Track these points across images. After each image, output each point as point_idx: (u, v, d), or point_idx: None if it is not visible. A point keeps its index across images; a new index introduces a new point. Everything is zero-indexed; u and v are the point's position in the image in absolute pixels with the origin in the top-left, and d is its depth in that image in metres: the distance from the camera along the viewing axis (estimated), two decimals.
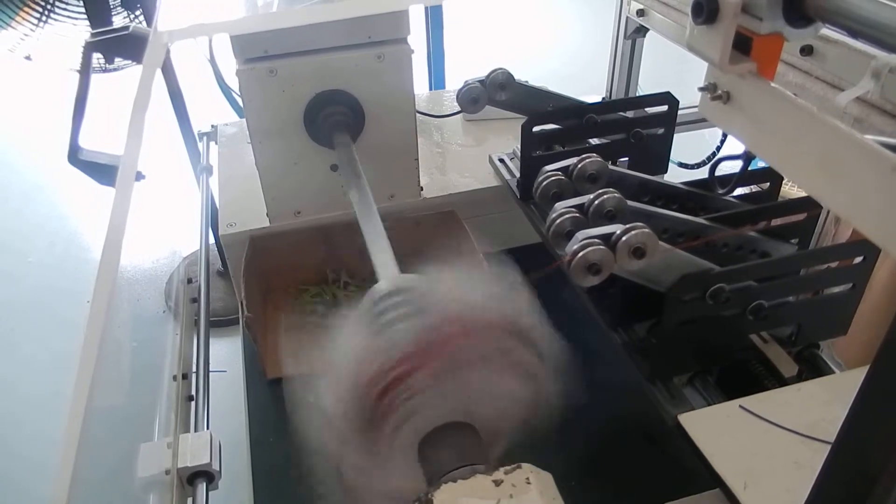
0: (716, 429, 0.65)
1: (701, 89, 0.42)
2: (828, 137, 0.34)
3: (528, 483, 0.49)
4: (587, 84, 2.06)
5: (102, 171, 0.77)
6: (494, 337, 0.56)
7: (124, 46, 0.68)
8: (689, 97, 1.23)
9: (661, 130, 1.04)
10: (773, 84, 0.38)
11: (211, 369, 1.00)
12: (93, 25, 1.58)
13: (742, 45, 0.39)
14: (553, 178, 0.81)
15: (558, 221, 0.71)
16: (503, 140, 1.37)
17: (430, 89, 1.97)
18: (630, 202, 0.74)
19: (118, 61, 1.47)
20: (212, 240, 1.30)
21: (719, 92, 0.41)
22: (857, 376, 0.71)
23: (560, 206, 0.72)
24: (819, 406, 0.65)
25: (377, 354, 0.55)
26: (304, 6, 0.51)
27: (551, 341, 0.58)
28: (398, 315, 0.60)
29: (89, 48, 0.67)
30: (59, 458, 0.48)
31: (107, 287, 0.40)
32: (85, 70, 0.70)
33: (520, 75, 1.12)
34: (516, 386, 0.58)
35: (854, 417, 0.37)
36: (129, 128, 0.29)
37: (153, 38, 0.29)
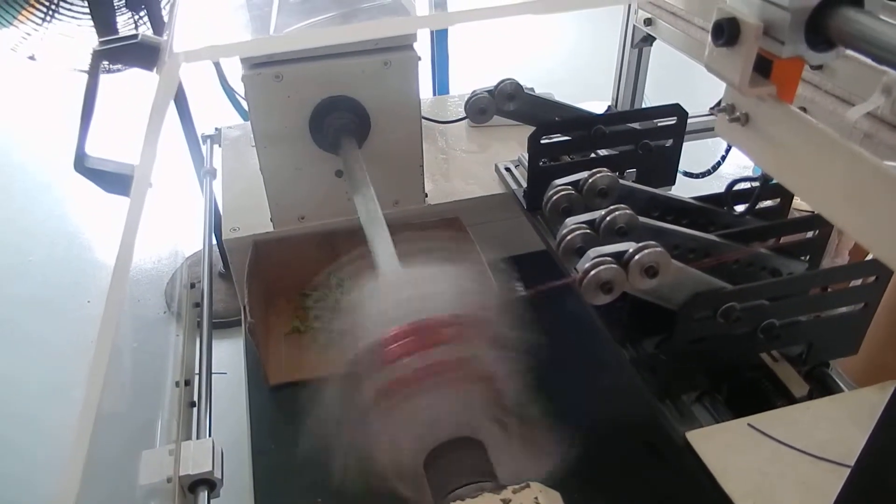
0: (724, 447, 0.64)
1: (719, 110, 0.42)
2: (850, 164, 0.34)
3: (537, 502, 0.49)
4: (583, 88, 2.06)
5: (108, 179, 0.77)
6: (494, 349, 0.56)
7: (133, 54, 0.67)
8: (694, 104, 1.23)
9: (669, 142, 1.03)
10: (793, 108, 0.37)
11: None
12: (97, 26, 1.58)
13: (762, 67, 0.38)
14: (563, 192, 0.80)
15: (569, 237, 0.70)
16: (508, 147, 1.37)
17: (434, 94, 1.96)
18: (641, 218, 0.73)
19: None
20: (213, 241, 1.30)
21: (738, 114, 0.40)
22: (868, 396, 0.71)
23: (571, 221, 0.71)
24: (829, 425, 0.65)
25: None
26: (313, 26, 0.51)
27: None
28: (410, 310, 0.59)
29: (97, 56, 0.67)
30: (64, 463, 0.47)
31: (119, 294, 0.39)
32: (93, 78, 0.69)
33: (519, 79, 1.11)
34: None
35: (876, 438, 0.37)
36: (142, 151, 0.29)
37: (169, 61, 0.28)
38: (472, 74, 2.81)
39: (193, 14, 0.44)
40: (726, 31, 0.37)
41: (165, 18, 1.64)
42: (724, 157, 1.39)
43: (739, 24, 0.36)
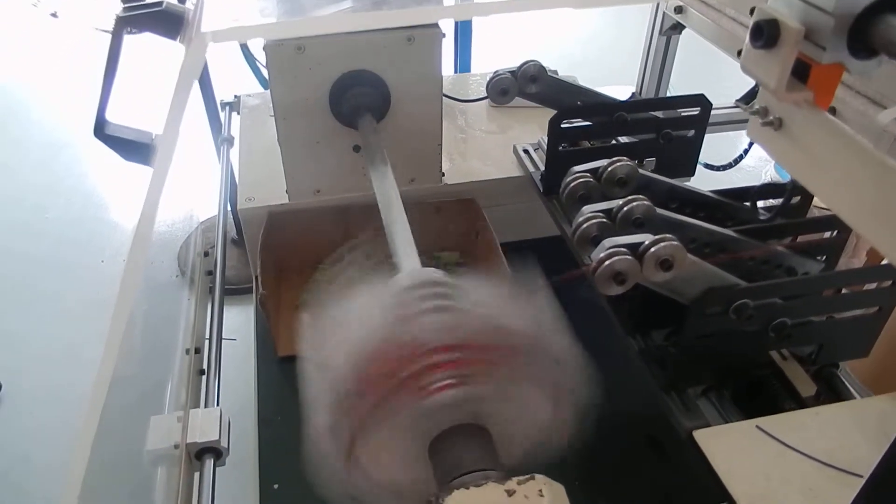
0: (731, 448, 0.64)
1: (752, 112, 0.41)
2: (887, 178, 0.33)
3: (541, 495, 0.49)
4: (606, 70, 2.01)
5: (128, 147, 0.77)
6: (525, 349, 0.55)
7: (156, 22, 0.66)
8: (718, 93, 1.21)
9: (691, 133, 1.02)
10: (829, 116, 0.36)
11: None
12: None
13: (799, 71, 0.37)
14: (581, 179, 0.79)
15: (585, 226, 0.70)
16: (528, 128, 1.35)
17: (456, 72, 1.94)
18: (659, 210, 0.72)
19: None
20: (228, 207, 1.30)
21: (771, 117, 0.39)
22: (878, 404, 0.70)
23: (587, 209, 0.71)
24: (837, 432, 0.65)
25: (407, 341, 0.54)
26: (340, 9, 0.50)
27: (575, 356, 0.57)
28: (430, 306, 0.58)
29: (121, 23, 0.66)
30: (78, 424, 0.48)
31: (139, 260, 0.39)
32: (115, 44, 0.68)
33: (542, 59, 1.09)
34: (538, 400, 0.57)
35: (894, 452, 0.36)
36: (165, 127, 0.28)
37: (195, 39, 0.28)
38: (494, 53, 2.78)
39: None
40: (766, 33, 0.35)
41: None
42: (746, 151, 1.37)
43: (780, 27, 0.35)
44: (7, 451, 1.53)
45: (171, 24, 0.66)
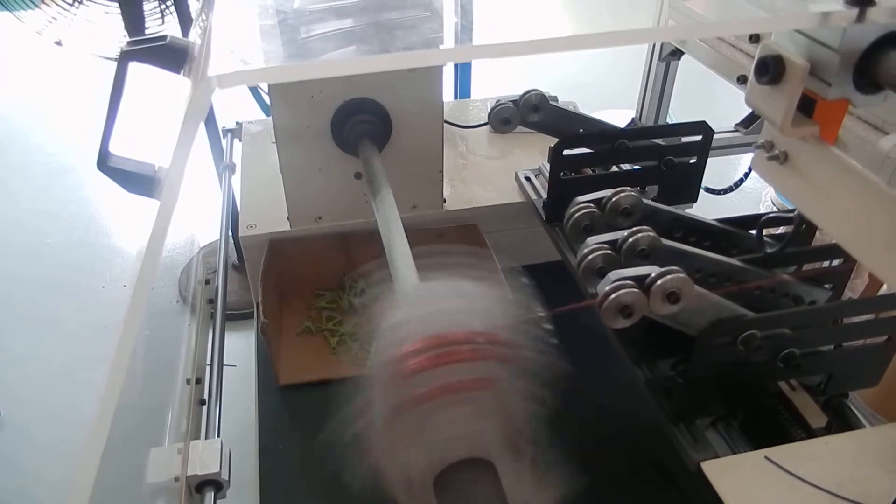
0: (740, 479, 0.63)
1: (757, 146, 0.40)
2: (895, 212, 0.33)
3: None
4: (606, 92, 2.02)
5: (131, 179, 0.77)
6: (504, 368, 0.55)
7: (160, 56, 0.67)
8: (716, 114, 1.22)
9: (693, 159, 1.02)
10: (836, 150, 0.36)
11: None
12: (123, 13, 1.59)
13: (804, 106, 0.37)
14: (585, 209, 0.79)
15: (590, 258, 0.69)
16: (529, 154, 1.36)
17: (456, 97, 1.95)
18: (664, 240, 0.72)
19: None
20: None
21: (776, 152, 0.39)
22: (889, 433, 0.69)
23: (592, 241, 0.70)
24: (848, 463, 0.64)
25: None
26: (345, 34, 0.51)
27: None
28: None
29: (125, 57, 0.67)
30: (79, 456, 0.47)
31: (142, 298, 0.39)
32: (119, 79, 0.69)
33: (541, 82, 1.10)
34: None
35: None
36: (170, 166, 0.28)
37: (202, 83, 0.28)
38: (493, 75, 2.80)
39: (226, 30, 0.43)
40: (771, 69, 0.35)
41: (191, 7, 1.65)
42: (747, 174, 1.37)
43: (785, 63, 0.35)
44: (4, 477, 1.51)
45: (175, 58, 0.67)
